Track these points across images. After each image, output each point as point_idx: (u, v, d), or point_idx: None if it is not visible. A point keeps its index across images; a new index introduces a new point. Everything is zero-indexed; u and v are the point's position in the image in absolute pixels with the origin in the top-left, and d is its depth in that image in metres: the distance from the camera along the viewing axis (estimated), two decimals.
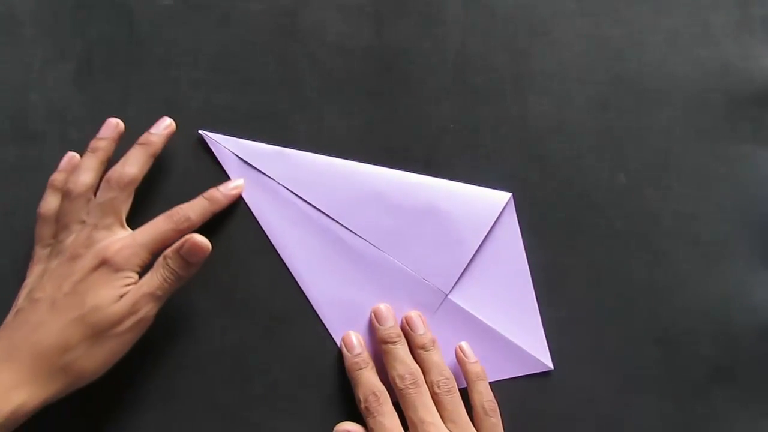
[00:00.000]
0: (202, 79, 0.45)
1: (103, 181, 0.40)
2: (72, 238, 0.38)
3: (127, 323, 0.37)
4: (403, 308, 0.43)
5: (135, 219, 0.41)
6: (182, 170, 0.44)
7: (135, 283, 0.38)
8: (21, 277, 0.43)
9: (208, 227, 0.44)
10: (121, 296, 0.37)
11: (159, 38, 0.46)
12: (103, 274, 0.37)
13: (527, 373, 0.43)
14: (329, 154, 0.44)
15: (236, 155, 0.44)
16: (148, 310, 0.37)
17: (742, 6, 0.47)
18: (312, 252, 0.43)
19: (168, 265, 0.38)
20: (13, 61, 0.45)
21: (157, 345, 0.43)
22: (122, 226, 0.40)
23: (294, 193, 0.44)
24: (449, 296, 0.43)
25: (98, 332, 0.36)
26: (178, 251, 0.38)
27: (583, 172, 0.45)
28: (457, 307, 0.43)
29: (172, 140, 0.44)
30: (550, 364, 0.43)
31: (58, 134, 0.44)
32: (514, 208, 0.44)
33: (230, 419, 0.42)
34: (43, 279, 0.38)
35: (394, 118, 0.45)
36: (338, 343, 0.43)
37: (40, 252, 0.40)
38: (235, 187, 0.43)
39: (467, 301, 0.43)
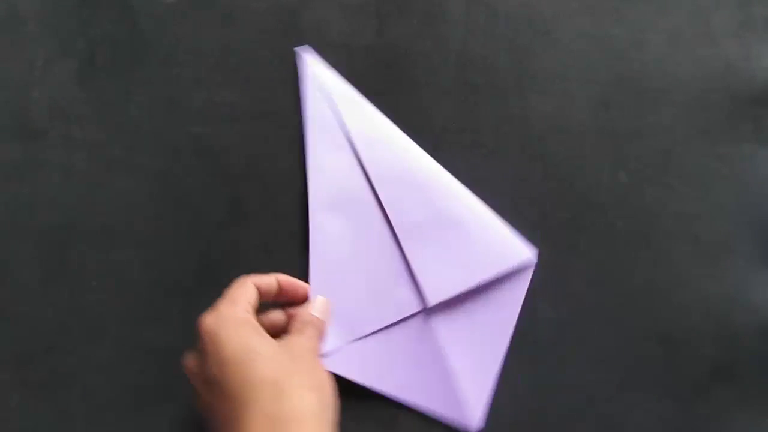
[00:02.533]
0: (205, 78, 0.45)
1: None
2: None
3: None
4: (385, 297, 0.42)
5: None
6: (183, 169, 0.45)
7: None
8: (23, 275, 0.43)
9: (210, 229, 0.44)
10: None
11: (161, 37, 0.46)
12: None
13: (446, 419, 0.42)
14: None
15: (320, 84, 0.44)
16: None
17: (743, 6, 0.47)
18: (334, 205, 0.43)
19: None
20: (16, 59, 0.45)
21: (157, 345, 0.43)
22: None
23: (352, 144, 0.44)
24: (428, 309, 0.42)
25: None
26: None
27: (584, 171, 0.45)
28: (426, 322, 0.42)
29: (174, 139, 0.45)
30: (472, 424, 0.42)
31: (61, 132, 0.45)
32: (532, 269, 0.43)
33: None
34: None
35: (396, 117, 0.45)
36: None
37: None
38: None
39: (441, 323, 0.42)
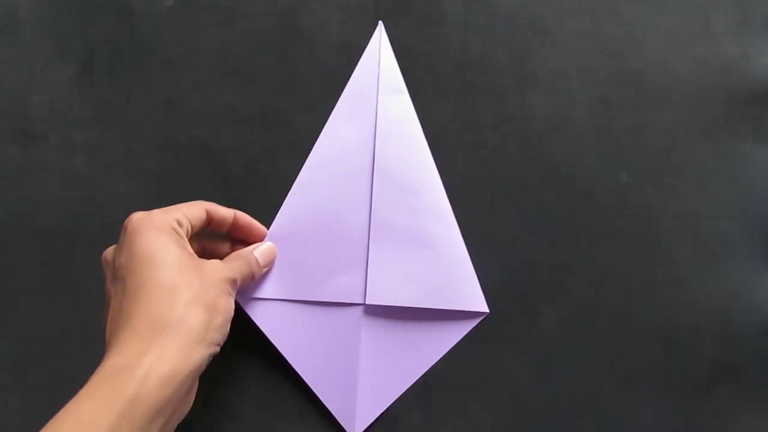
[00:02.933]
0: (204, 80, 0.45)
1: None
2: None
3: None
4: (332, 276, 0.42)
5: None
6: (183, 170, 0.44)
7: None
8: (23, 278, 0.43)
9: None
10: None
11: (160, 39, 0.46)
12: None
13: (333, 412, 0.42)
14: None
15: (377, 60, 0.45)
16: None
17: (742, 4, 0.47)
18: (330, 169, 0.43)
19: None
20: (14, 62, 0.45)
21: None
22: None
23: (375, 126, 0.44)
24: (365, 308, 0.42)
25: None
26: None
27: (584, 171, 0.45)
28: (357, 318, 0.42)
29: (173, 140, 0.45)
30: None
31: (60, 135, 0.45)
32: (476, 321, 0.43)
33: (230, 419, 0.42)
34: None
35: None
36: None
37: None
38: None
39: (370, 325, 0.42)
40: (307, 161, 0.44)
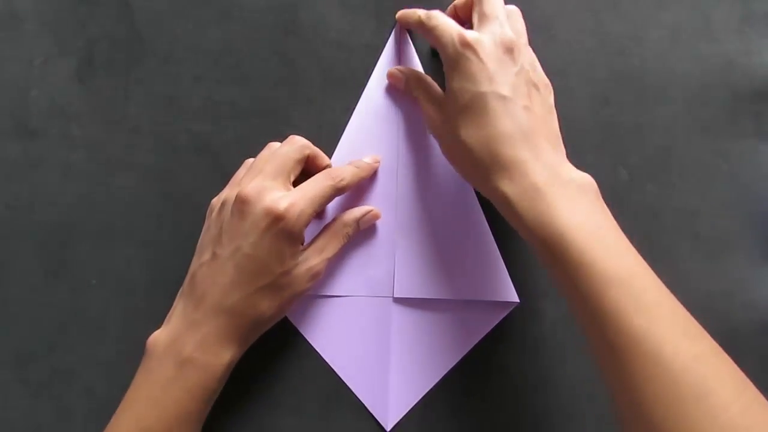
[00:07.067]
0: (203, 75, 0.45)
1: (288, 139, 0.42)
2: (244, 180, 0.40)
3: (307, 286, 0.40)
4: (362, 270, 0.43)
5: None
6: (183, 167, 0.44)
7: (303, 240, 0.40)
8: (23, 274, 0.43)
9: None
10: (299, 257, 0.39)
11: (160, 34, 0.46)
12: (280, 236, 0.38)
13: (369, 407, 0.43)
14: (329, 150, 0.44)
15: (398, 52, 0.45)
16: (322, 269, 0.40)
17: (743, 1, 0.47)
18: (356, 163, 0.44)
19: (347, 234, 0.42)
20: (14, 57, 0.45)
21: None
22: (289, 182, 0.40)
23: (399, 119, 0.44)
24: (394, 300, 0.43)
25: (284, 294, 0.39)
26: (357, 221, 0.42)
27: (584, 167, 0.45)
28: (388, 311, 0.43)
29: (173, 137, 0.45)
30: (387, 424, 0.42)
31: (60, 130, 0.45)
32: (507, 311, 0.43)
33: (231, 415, 0.42)
34: (221, 233, 0.38)
35: None
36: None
37: (226, 190, 0.42)
38: (377, 161, 0.44)
39: (401, 318, 0.43)
40: (332, 159, 0.44)
